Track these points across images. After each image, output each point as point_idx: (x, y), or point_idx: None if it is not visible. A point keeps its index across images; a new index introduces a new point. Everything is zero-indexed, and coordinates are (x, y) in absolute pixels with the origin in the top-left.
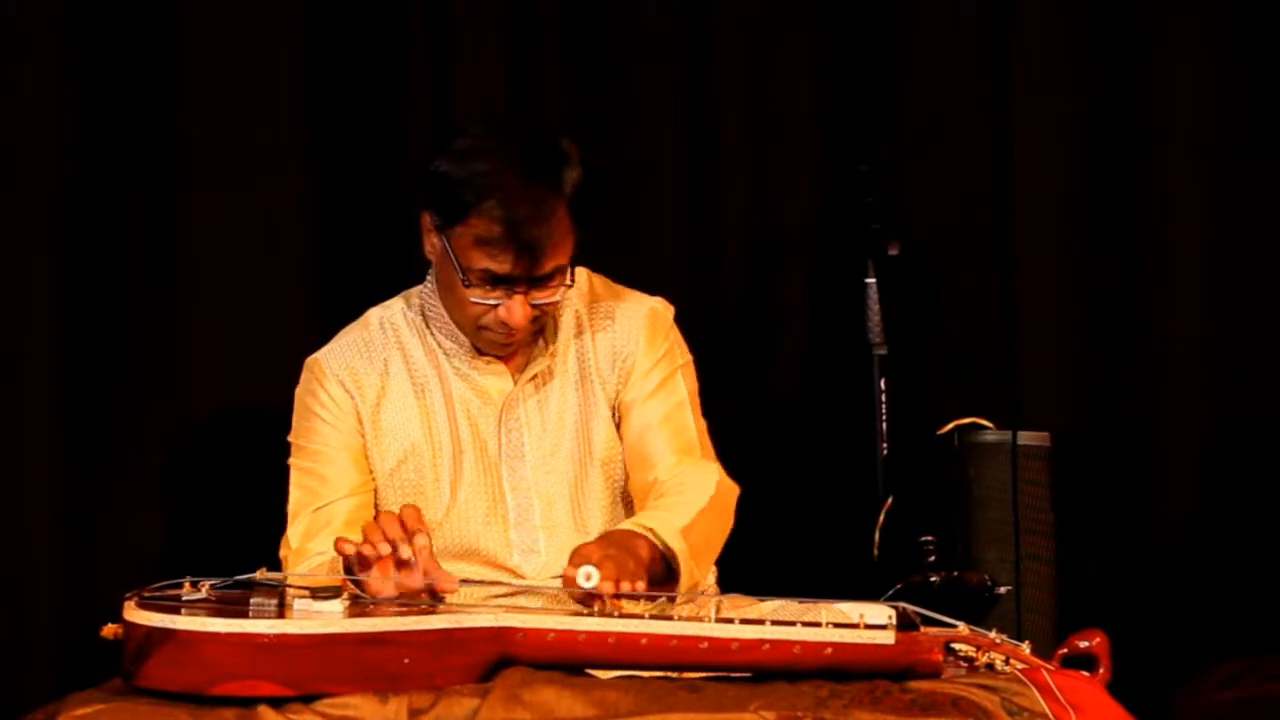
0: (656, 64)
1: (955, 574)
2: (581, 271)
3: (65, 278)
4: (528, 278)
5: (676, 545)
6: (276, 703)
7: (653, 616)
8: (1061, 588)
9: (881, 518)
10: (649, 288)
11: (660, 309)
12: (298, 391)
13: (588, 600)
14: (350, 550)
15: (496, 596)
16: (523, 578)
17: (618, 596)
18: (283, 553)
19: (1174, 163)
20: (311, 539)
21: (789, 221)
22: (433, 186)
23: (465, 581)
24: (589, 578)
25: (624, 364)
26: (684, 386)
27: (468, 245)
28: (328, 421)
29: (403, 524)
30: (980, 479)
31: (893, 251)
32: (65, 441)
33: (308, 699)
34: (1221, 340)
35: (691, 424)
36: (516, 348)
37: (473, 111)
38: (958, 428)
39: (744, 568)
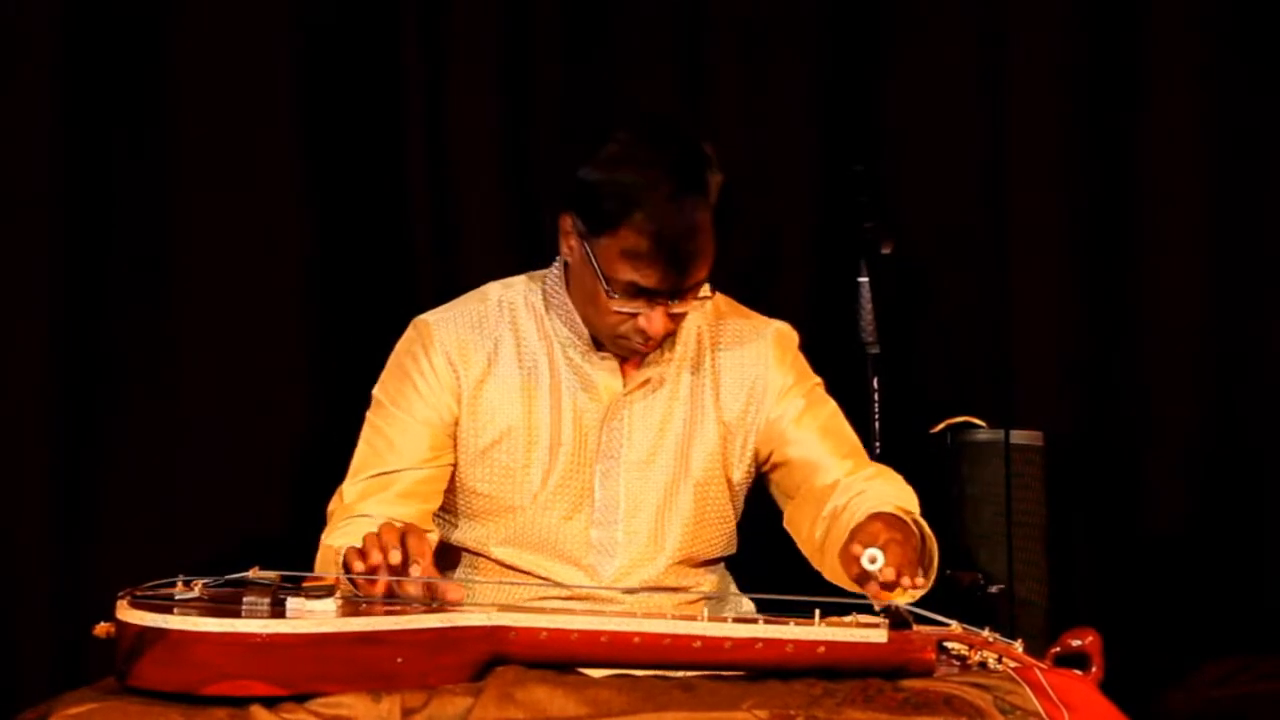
0: (651, 65)
1: (948, 572)
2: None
3: (60, 277)
4: (672, 291)
5: (932, 545)
6: (269, 702)
7: (644, 615)
8: (1054, 586)
9: None
10: None
11: (786, 331)
12: (398, 348)
13: (864, 580)
14: (359, 567)
15: (547, 598)
16: (594, 578)
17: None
18: (331, 506)
19: (1168, 162)
20: (364, 500)
21: (783, 220)
22: (578, 192)
23: (528, 579)
24: (874, 560)
25: (753, 388)
26: (830, 400)
27: (614, 257)
28: (420, 391)
29: (404, 545)
30: (973, 478)
31: (886, 250)
32: (59, 440)
33: (301, 698)
34: (1214, 340)
35: (850, 431)
36: (649, 352)
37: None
38: (950, 427)
39: (737, 568)
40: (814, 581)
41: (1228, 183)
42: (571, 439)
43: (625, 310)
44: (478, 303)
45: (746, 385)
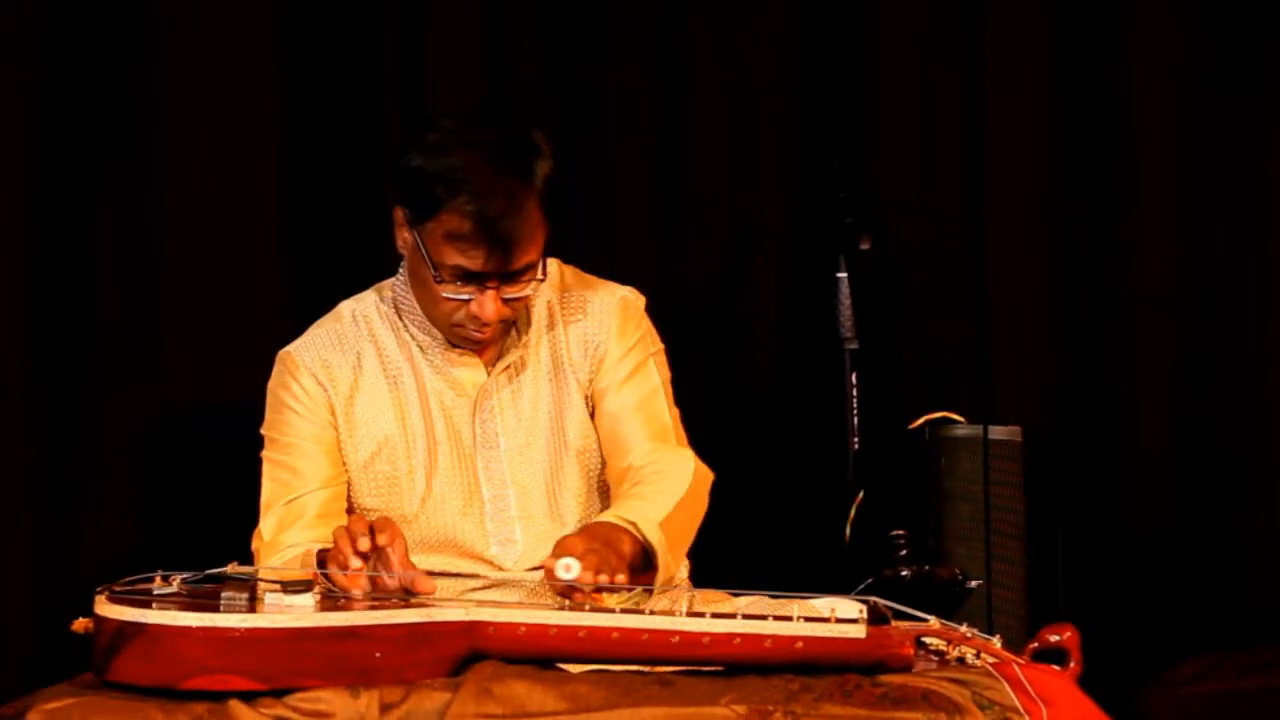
0: (628, 59)
1: (926, 568)
2: (553, 262)
3: (40, 272)
4: (500, 273)
5: (655, 539)
6: (247, 697)
7: (624, 610)
8: (1033, 582)
9: (852, 512)
10: (621, 282)
11: (631, 298)
12: (270, 384)
13: (567, 592)
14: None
15: (473, 590)
16: (500, 568)
17: (597, 589)
18: (255, 545)
19: (1146, 157)
20: (284, 531)
21: (761, 216)
22: (404, 181)
23: (441, 574)
24: (569, 569)
25: (596, 352)
26: (657, 374)
27: (439, 241)
28: (300, 414)
29: (373, 533)
30: (951, 473)
31: (864, 246)
32: (37, 435)
33: (279, 693)
34: (1193, 336)
35: (665, 411)
36: (489, 342)
37: (446, 106)
38: (929, 422)
39: (716, 561)
40: (786, 575)
41: (1206, 180)
42: (447, 437)
43: (457, 297)
44: (333, 322)
45: (590, 352)
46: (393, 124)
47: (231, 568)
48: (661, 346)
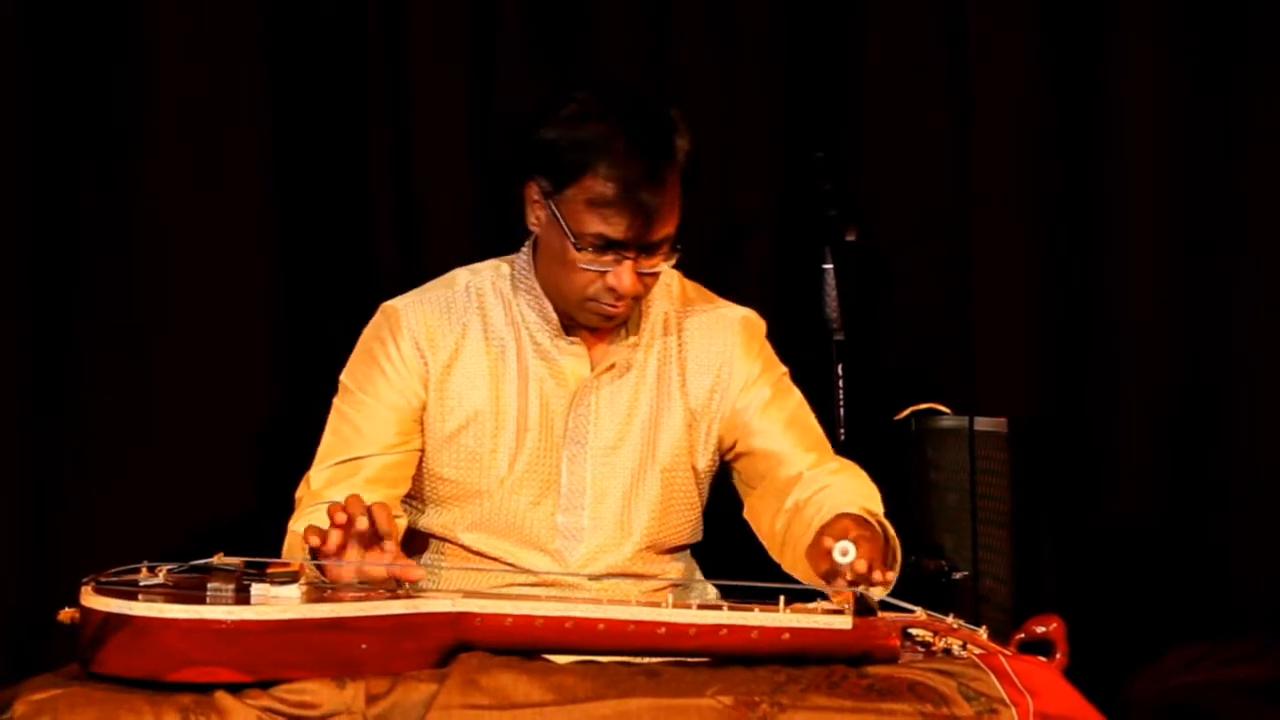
0: (615, 49)
1: (912, 559)
2: (674, 274)
3: (26, 270)
4: (639, 243)
5: (895, 543)
6: (234, 688)
7: (610, 601)
8: (1019, 573)
9: None
10: None
11: (754, 318)
12: (366, 333)
13: (832, 577)
14: (316, 541)
15: (519, 585)
16: (561, 563)
17: (861, 584)
18: (299, 492)
19: (1131, 151)
20: (331, 486)
21: (746, 208)
22: (541, 153)
23: (495, 561)
24: (845, 553)
25: (719, 373)
26: (796, 390)
27: (579, 209)
28: (388, 376)
29: (372, 521)
30: (937, 464)
31: (850, 237)
32: (23, 425)
33: (265, 684)
34: (1179, 326)
35: (815, 423)
36: (618, 320)
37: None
38: (915, 413)
39: (701, 553)
40: (772, 566)
41: (1192, 169)
42: (538, 424)
43: (594, 268)
44: (445, 288)
45: (712, 372)
46: (379, 123)
47: (218, 559)
48: (786, 369)
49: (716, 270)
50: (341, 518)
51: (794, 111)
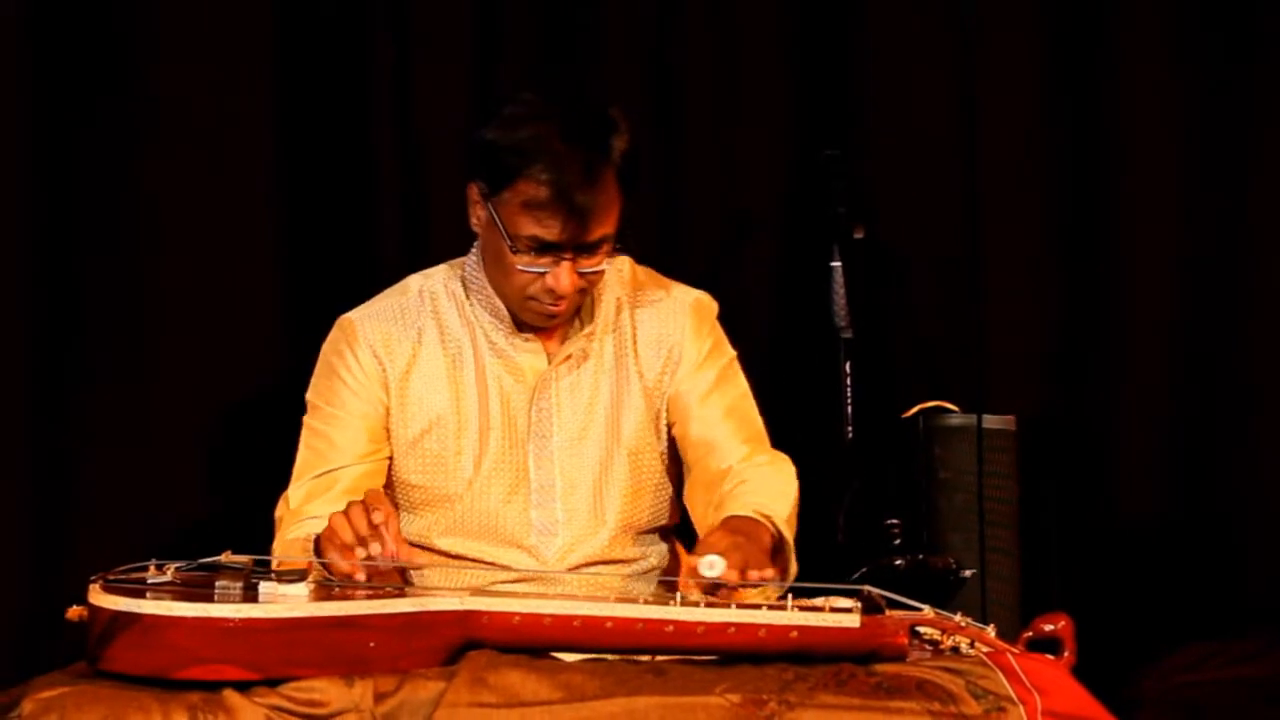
0: (623, 47)
1: (920, 557)
2: (626, 260)
3: (31, 268)
4: (575, 244)
5: (788, 535)
6: (242, 686)
7: (618, 599)
8: (1027, 571)
9: (847, 501)
10: None
11: (705, 301)
12: (324, 349)
13: (712, 589)
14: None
15: (501, 583)
16: (539, 558)
17: (742, 585)
18: (279, 512)
19: (1141, 145)
20: (310, 502)
21: (755, 205)
22: (480, 154)
23: (475, 562)
24: (712, 566)
25: (670, 354)
26: (741, 378)
27: (515, 211)
28: (350, 386)
29: (367, 511)
30: (945, 462)
31: (858, 235)
32: (31, 423)
33: (273, 683)
34: (1187, 324)
35: (755, 414)
36: (561, 319)
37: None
38: (923, 411)
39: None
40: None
41: (1201, 168)
42: (501, 422)
43: (532, 269)
44: (399, 295)
45: (663, 354)
46: (382, 122)
47: (226, 556)
48: (735, 354)
49: (725, 268)
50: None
51: (802, 109)
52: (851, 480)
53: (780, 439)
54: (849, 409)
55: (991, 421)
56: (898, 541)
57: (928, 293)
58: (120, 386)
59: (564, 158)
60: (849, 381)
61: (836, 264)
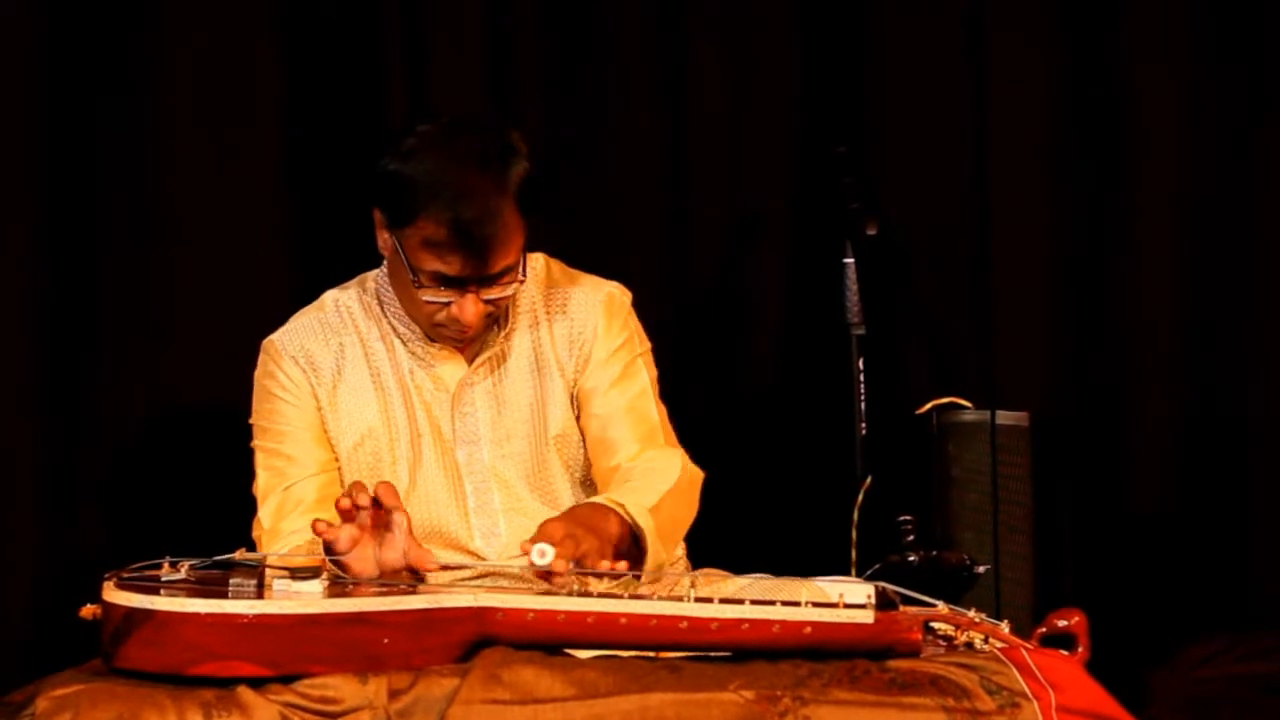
0: (633, 43)
1: (934, 553)
2: (539, 256)
3: (43, 265)
4: (478, 278)
5: (644, 522)
6: (255, 683)
7: (632, 596)
8: (1040, 567)
9: (860, 498)
10: (625, 268)
11: (617, 294)
12: (256, 374)
13: (546, 576)
14: (326, 531)
15: (462, 579)
16: (484, 560)
17: (584, 574)
18: (256, 533)
19: (1149, 144)
20: (284, 518)
21: (766, 202)
22: (381, 186)
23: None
24: (543, 554)
25: (582, 350)
26: (645, 374)
27: (416, 247)
28: (288, 402)
29: (377, 499)
30: (959, 459)
31: (871, 231)
32: (43, 421)
33: (287, 679)
34: (1199, 320)
35: (653, 412)
36: (472, 339)
37: (449, 86)
38: (936, 407)
39: (723, 548)
40: (793, 562)
41: (1210, 162)
42: (429, 430)
43: (436, 300)
44: (316, 311)
45: (576, 349)
46: (396, 115)
47: (240, 554)
48: (649, 345)
49: (736, 264)
50: (346, 503)
51: (813, 105)
52: (865, 477)
53: (793, 436)
54: (862, 405)
55: (1005, 418)
56: (911, 538)
57: (941, 289)
58: (133, 384)
59: (460, 195)
60: (862, 378)
61: (849, 260)
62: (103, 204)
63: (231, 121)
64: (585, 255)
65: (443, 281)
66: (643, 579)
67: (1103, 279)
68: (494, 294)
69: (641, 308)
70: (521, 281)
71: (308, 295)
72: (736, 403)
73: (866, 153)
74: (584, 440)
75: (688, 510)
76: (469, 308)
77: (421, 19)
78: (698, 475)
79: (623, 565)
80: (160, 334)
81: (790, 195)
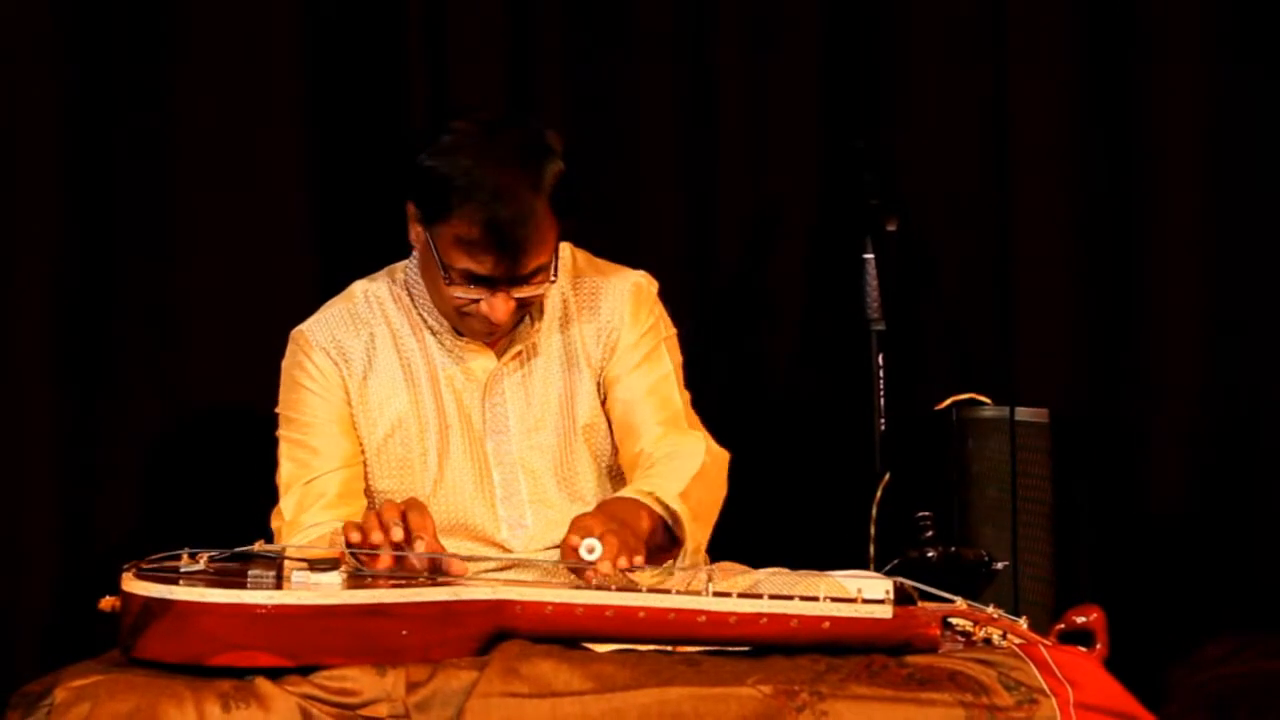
0: (655, 37)
1: (953, 549)
2: (565, 247)
3: (63, 256)
4: (509, 278)
5: (678, 508)
6: (274, 674)
7: (650, 589)
8: (1059, 563)
9: (879, 493)
10: (647, 262)
11: (644, 283)
12: (284, 364)
13: (582, 572)
14: (355, 538)
15: (485, 571)
16: (510, 551)
17: (628, 570)
18: (275, 524)
19: (1172, 139)
20: (305, 511)
21: (787, 197)
22: (417, 181)
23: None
24: (591, 551)
25: (609, 339)
26: (669, 359)
27: (449, 244)
28: (315, 393)
29: (405, 520)
30: (978, 455)
31: (891, 227)
32: (62, 413)
33: (305, 670)
34: (1218, 315)
35: (677, 396)
36: (501, 336)
37: (470, 84)
38: (955, 403)
39: (742, 543)
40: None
41: (1234, 159)
42: (458, 421)
43: (467, 297)
44: (345, 301)
45: (604, 339)
46: (416, 113)
47: (259, 545)
48: (674, 331)
49: (757, 259)
50: (378, 537)
51: (834, 101)
52: (884, 472)
53: (813, 431)
54: (881, 401)
55: (1024, 414)
56: (929, 534)
57: (961, 285)
58: (152, 375)
59: (495, 194)
60: (881, 374)
61: (869, 256)
62: (124, 200)
63: (253, 125)
64: (608, 251)
65: (473, 280)
66: (684, 562)
67: (1124, 276)
68: (525, 293)
69: (663, 302)
70: (553, 281)
71: (327, 289)
72: (756, 398)
73: (887, 149)
74: (610, 426)
75: (718, 491)
76: (499, 306)
77: (442, 15)
78: (723, 456)
79: (640, 559)
80: (181, 328)
81: (811, 192)
